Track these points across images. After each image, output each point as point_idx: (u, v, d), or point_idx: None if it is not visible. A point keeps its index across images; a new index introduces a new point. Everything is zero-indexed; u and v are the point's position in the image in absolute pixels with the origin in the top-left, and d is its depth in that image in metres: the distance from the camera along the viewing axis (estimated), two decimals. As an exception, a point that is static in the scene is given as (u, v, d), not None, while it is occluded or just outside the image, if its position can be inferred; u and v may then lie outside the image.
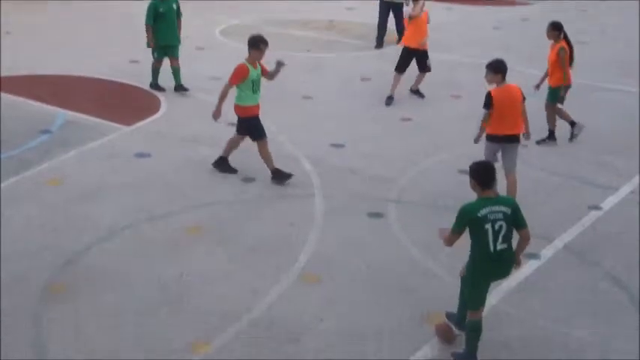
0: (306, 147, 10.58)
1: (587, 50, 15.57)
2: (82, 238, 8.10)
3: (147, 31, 12.42)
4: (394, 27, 15.63)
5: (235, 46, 15.04)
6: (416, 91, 12.94)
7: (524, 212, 8.75)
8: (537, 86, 10.95)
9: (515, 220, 6.02)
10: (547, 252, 8.18)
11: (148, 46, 12.55)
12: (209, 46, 15.45)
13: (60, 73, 13.47)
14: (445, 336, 6.53)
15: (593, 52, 15.64)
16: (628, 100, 13.08)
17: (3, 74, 13.06)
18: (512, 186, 8.86)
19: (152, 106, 11.95)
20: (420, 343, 6.53)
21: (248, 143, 9.97)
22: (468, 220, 5.94)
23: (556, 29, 10.94)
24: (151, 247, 8.02)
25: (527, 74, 13.95)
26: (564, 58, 10.80)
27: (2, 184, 9.19)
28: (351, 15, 18.40)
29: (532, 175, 9.99)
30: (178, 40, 12.64)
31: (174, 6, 12.51)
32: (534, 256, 8.05)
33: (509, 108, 8.83)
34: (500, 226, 5.91)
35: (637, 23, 17.92)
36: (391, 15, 15.74)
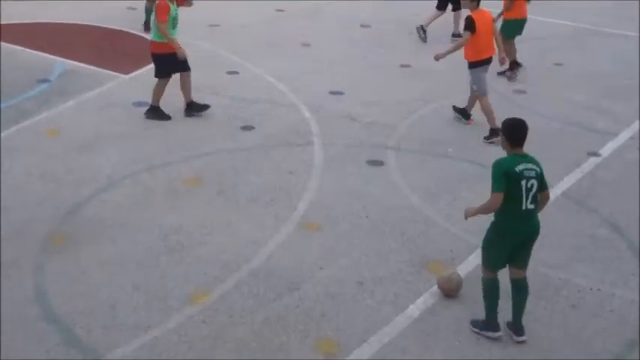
0: (304, 94, 10.47)
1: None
2: (82, 189, 8.03)
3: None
4: None
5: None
6: (458, 35, 12.45)
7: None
8: (495, 20, 10.58)
9: (542, 181, 5.79)
10: (546, 199, 8.11)
11: None
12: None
13: (58, 21, 13.28)
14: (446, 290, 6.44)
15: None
16: (626, 44, 12.90)
17: (1, 22, 12.88)
18: (488, 108, 9.41)
19: (149, 54, 11.74)
20: (421, 290, 6.49)
21: (244, 96, 9.86)
22: (505, 174, 5.62)
23: None
24: (150, 197, 7.95)
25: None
26: None
27: (2, 133, 9.10)
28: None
29: (529, 122, 9.62)
30: None
31: None
32: (533, 202, 7.99)
33: (485, 32, 9.41)
34: (532, 185, 5.66)
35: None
36: None
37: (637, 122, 9.96)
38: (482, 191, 8.08)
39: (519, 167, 5.65)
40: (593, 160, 8.98)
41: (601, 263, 7.06)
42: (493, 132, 9.10)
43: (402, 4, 14.52)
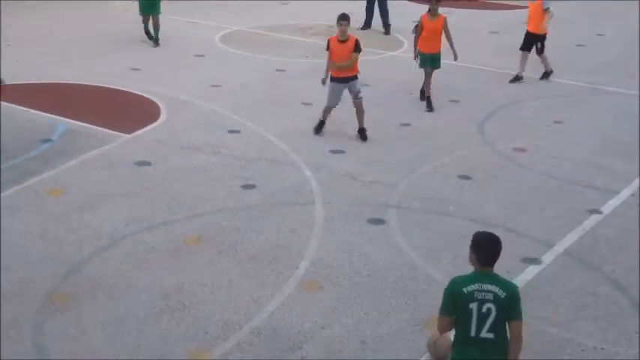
0: (305, 153, 10.56)
1: (587, 52, 15.59)
2: (84, 247, 8.08)
3: None
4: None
5: (235, 52, 15.05)
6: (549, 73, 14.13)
7: (527, 218, 8.89)
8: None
9: (510, 309, 4.96)
10: (548, 257, 8.15)
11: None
12: (209, 53, 15.42)
13: (60, 81, 13.44)
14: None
15: (592, 54, 15.64)
16: (625, 102, 13.06)
17: (4, 83, 13.03)
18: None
19: (152, 114, 11.92)
20: (423, 348, 6.48)
21: (246, 154, 9.94)
22: (451, 294, 4.98)
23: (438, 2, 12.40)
24: (152, 256, 7.99)
25: (527, 79, 14.00)
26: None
27: (3, 194, 9.17)
28: (350, 21, 18.32)
29: (531, 181, 9.97)
30: (158, 7, 15.76)
31: None
32: (535, 260, 8.03)
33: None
34: (489, 310, 4.89)
35: (636, 25, 17.90)
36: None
37: (637, 180, 10.03)
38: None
39: (470, 288, 4.94)
40: (594, 218, 9.02)
41: (604, 321, 7.07)
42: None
43: (401, 64, 14.76)
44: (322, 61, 14.91)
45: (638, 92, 13.38)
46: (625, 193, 9.69)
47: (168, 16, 17.26)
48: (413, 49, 12.78)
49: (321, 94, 12.99)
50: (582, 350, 6.65)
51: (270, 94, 12.73)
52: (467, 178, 10.00)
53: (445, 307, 5.02)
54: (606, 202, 9.43)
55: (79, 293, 7.28)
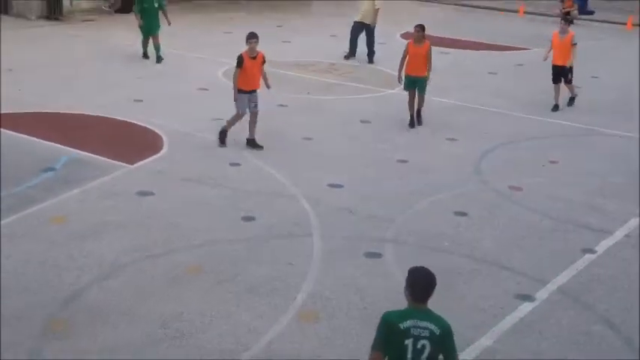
0: (305, 187, 10.61)
1: (582, 94, 15.70)
2: (84, 275, 8.10)
3: (136, 17, 17.20)
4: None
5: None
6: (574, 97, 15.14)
7: (522, 256, 8.93)
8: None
9: (444, 347, 4.87)
10: (542, 294, 8.17)
11: (140, 27, 17.15)
12: (211, 87, 15.54)
13: (63, 111, 13.51)
14: None
15: (587, 95, 15.74)
16: (620, 143, 13.16)
17: (7, 111, 13.09)
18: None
19: (155, 145, 11.99)
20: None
21: (246, 187, 9.98)
22: (386, 330, 4.86)
23: (422, 30, 13.42)
24: (151, 284, 8.02)
25: (523, 119, 14.12)
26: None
27: (4, 221, 9.20)
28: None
29: (526, 219, 10.03)
30: (158, 26, 17.14)
31: (155, 4, 17.10)
32: (529, 298, 8.06)
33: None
34: (423, 346, 4.80)
35: (630, 68, 18.06)
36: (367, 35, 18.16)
37: (632, 220, 10.07)
38: (478, 285, 8.26)
39: (406, 323, 4.82)
40: (588, 257, 9.04)
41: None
42: None
43: (400, 102, 14.85)
44: (324, 97, 15.07)
45: (633, 135, 13.48)
46: (619, 233, 9.72)
47: (171, 50, 17.47)
48: (398, 72, 13.76)
49: (321, 129, 13.13)
50: (575, 387, 6.67)
51: (271, 128, 12.80)
52: (463, 214, 10.05)
53: (380, 341, 4.87)
54: (600, 242, 9.45)
55: (78, 321, 7.29)
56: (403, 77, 13.57)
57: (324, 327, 7.37)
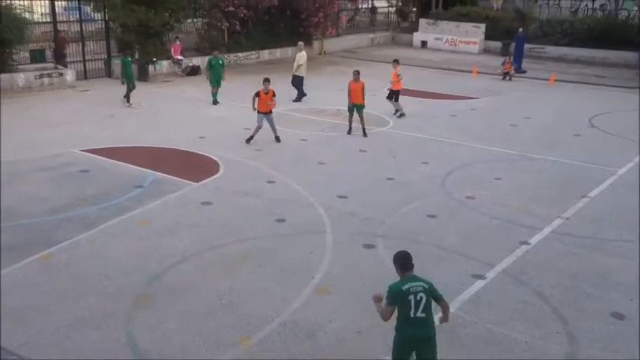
0: (320, 197, 10.56)
1: (518, 130, 15.59)
2: (163, 262, 8.10)
3: (206, 72, 17.99)
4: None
5: (277, 128, 15.09)
6: None
7: (476, 246, 8.83)
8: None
9: (434, 295, 5.28)
10: (490, 274, 8.08)
11: (208, 79, 17.70)
12: (254, 127, 15.49)
13: (149, 145, 13.56)
14: None
15: (521, 131, 15.65)
16: (546, 165, 13.04)
17: (111, 145, 13.16)
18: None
19: (214, 169, 11.99)
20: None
21: (278, 197, 9.92)
22: (395, 294, 5.20)
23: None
24: (210, 268, 7.99)
25: (476, 148, 14.03)
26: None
27: (110, 222, 9.21)
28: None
29: (479, 219, 9.93)
30: (221, 78, 17.67)
31: (220, 61, 17.75)
32: (481, 277, 7.96)
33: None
34: (421, 297, 5.17)
35: (551, 111, 17.95)
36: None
37: (556, 220, 9.94)
38: (444, 267, 8.15)
39: (405, 286, 5.19)
40: (524, 248, 8.94)
41: (532, 322, 6.98)
42: None
43: (388, 137, 14.82)
44: (336, 134, 15.05)
45: (555, 159, 13.35)
46: (546, 230, 9.59)
47: (227, 101, 17.50)
48: (347, 99, 14.79)
49: (331, 156, 13.09)
50: (516, 343, 6.57)
51: (296, 156, 12.79)
52: (433, 216, 9.96)
53: (390, 301, 5.21)
54: (533, 236, 9.34)
55: (159, 295, 7.29)
56: (348, 103, 14.76)
57: (334, 298, 7.32)
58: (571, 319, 7.04)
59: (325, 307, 7.10)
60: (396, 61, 16.89)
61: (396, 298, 5.18)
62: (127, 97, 17.15)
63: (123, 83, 17.31)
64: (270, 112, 13.59)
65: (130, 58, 17.80)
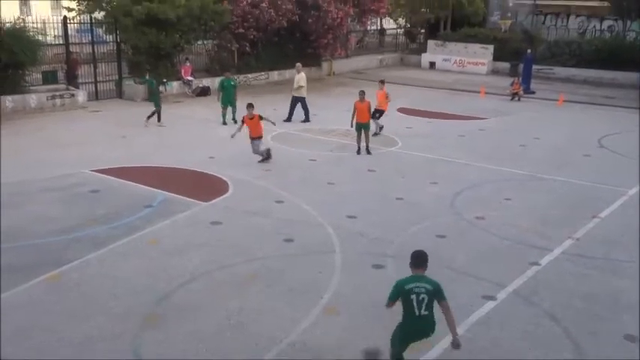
0: (329, 217, 10.55)
1: (527, 151, 15.56)
2: (172, 282, 8.09)
3: (217, 92, 18.18)
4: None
5: (281, 147, 15.20)
6: None
7: (486, 267, 8.77)
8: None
9: (437, 295, 5.65)
10: (501, 295, 8.02)
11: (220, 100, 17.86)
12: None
13: (158, 165, 13.63)
14: None
15: (531, 152, 15.62)
16: (555, 185, 12.98)
17: (120, 166, 13.23)
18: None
19: (223, 189, 12.03)
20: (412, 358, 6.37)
21: (287, 217, 9.90)
22: (398, 291, 5.64)
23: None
24: (220, 288, 7.98)
25: (485, 168, 14.00)
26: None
27: (119, 242, 9.22)
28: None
29: (489, 240, 9.88)
30: (234, 100, 17.81)
31: (232, 82, 17.98)
32: (492, 297, 7.89)
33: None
34: (423, 298, 5.58)
35: (561, 131, 17.92)
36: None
37: (567, 241, 9.86)
38: (454, 288, 8.10)
39: (409, 285, 5.56)
40: (535, 268, 8.87)
41: (543, 344, 6.90)
42: None
43: (397, 157, 14.83)
44: (345, 154, 15.12)
45: (564, 179, 13.30)
46: (557, 251, 9.52)
47: (232, 123, 17.59)
48: (351, 119, 14.87)
49: (340, 176, 13.10)
50: (527, 364, 6.48)
51: (305, 176, 12.81)
52: (442, 237, 9.91)
53: (393, 297, 5.66)
54: (544, 257, 9.27)
55: (168, 315, 7.27)
56: (354, 123, 14.73)
57: (343, 319, 7.27)
58: (583, 342, 6.96)
59: (334, 328, 7.05)
60: (382, 82, 17.34)
61: (398, 294, 5.61)
62: (154, 116, 17.44)
63: (153, 102, 17.72)
64: (260, 137, 13.59)
65: (153, 81, 18.16)
